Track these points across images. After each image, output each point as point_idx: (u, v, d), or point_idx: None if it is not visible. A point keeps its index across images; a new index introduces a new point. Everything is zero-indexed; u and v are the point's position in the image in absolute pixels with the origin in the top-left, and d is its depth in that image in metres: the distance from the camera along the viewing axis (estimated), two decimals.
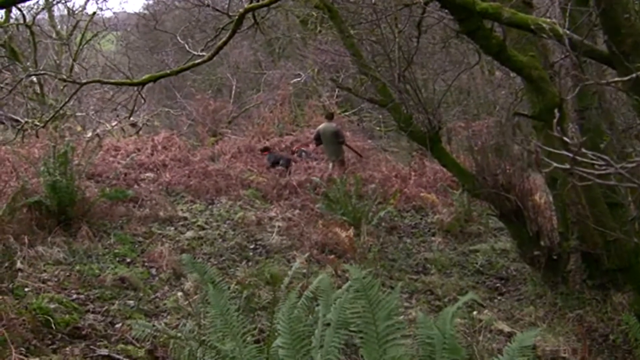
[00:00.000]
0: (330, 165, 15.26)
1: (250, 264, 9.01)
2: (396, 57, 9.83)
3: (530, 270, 9.12)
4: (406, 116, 10.16)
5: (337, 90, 20.32)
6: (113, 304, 6.86)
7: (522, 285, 9.23)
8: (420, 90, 10.19)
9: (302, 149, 17.02)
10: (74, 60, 21.21)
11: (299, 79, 21.73)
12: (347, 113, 21.06)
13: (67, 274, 7.39)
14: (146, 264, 8.43)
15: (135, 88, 10.00)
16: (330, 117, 16.25)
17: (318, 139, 15.61)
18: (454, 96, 21.81)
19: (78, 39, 23.07)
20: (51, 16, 23.58)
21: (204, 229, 10.37)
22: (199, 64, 9.48)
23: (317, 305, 4.88)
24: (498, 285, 9.50)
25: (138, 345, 5.86)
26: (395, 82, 9.97)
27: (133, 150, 15.14)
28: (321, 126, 15.71)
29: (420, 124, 9.97)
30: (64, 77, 13.96)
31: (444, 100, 13.38)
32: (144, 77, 9.26)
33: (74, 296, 6.86)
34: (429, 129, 9.77)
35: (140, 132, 19.91)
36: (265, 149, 16.18)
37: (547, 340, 6.96)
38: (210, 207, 11.72)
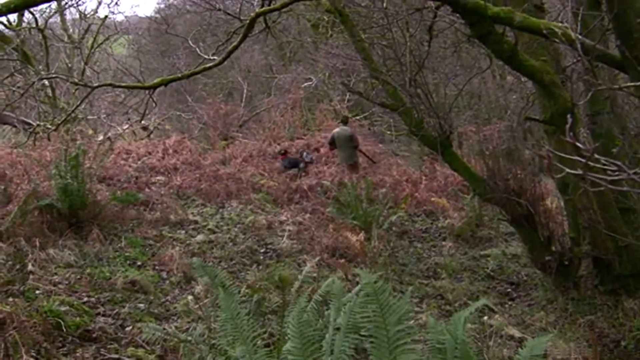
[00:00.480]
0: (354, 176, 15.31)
1: (260, 267, 9.02)
2: (407, 61, 9.81)
3: (541, 275, 9.08)
4: (417, 120, 10.14)
5: (348, 94, 20.31)
6: (123, 307, 6.88)
7: (533, 291, 9.20)
8: (432, 94, 10.16)
9: (303, 150, 16.96)
10: (86, 63, 21.31)
11: (310, 83, 21.73)
12: (358, 117, 21.05)
13: (78, 276, 7.42)
14: (157, 267, 8.45)
15: (147, 91, 10.03)
16: (345, 121, 16.26)
17: (332, 143, 15.60)
18: (465, 100, 21.78)
19: (90, 42, 23.15)
20: (63, 20, 23.71)
21: (214, 232, 10.39)
22: (210, 67, 9.51)
23: (328, 309, 4.88)
24: (509, 290, 9.46)
25: (148, 348, 5.87)
26: (406, 87, 9.95)
27: (144, 153, 15.17)
28: (336, 130, 15.71)
29: (431, 128, 9.94)
30: (76, 80, 14.02)
31: (455, 105, 13.36)
32: (155, 81, 9.28)
33: (85, 299, 6.88)
34: (440, 133, 9.74)
35: (152, 136, 19.95)
36: (284, 153, 16.11)
37: (557, 346, 6.92)
38: (220, 210, 11.73)
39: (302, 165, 15.49)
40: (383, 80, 10.85)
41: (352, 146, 15.32)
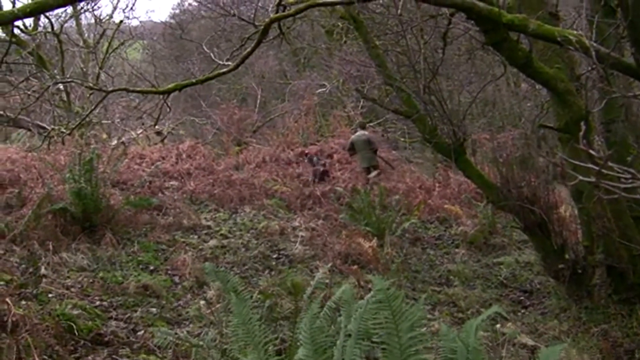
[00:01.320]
0: (374, 173, 15.33)
1: (273, 273, 9.02)
2: (421, 68, 9.80)
3: (555, 283, 9.04)
4: (431, 127, 10.14)
5: (362, 100, 20.29)
6: (136, 312, 6.90)
7: (546, 299, 9.16)
8: (446, 101, 10.14)
9: (312, 155, 16.95)
10: (101, 68, 21.37)
11: (324, 89, 21.71)
12: (371, 124, 21.01)
13: (91, 280, 7.44)
14: (169, 272, 8.46)
15: (161, 96, 10.05)
16: (363, 126, 16.38)
17: (351, 149, 15.68)
18: (479, 108, 21.73)
19: (105, 47, 23.23)
20: (79, 24, 23.80)
21: (227, 237, 10.38)
22: (224, 73, 9.50)
23: (340, 315, 4.86)
24: (522, 298, 9.43)
25: (160, 354, 5.88)
26: (420, 93, 9.94)
27: (158, 158, 15.19)
28: (354, 135, 15.84)
29: (445, 135, 9.93)
30: (91, 85, 14.07)
31: (469, 112, 13.32)
32: (169, 86, 9.29)
33: (97, 303, 6.90)
34: (454, 140, 9.72)
35: (165, 141, 19.99)
36: (324, 172, 15.98)
37: (571, 356, 6.88)
38: (233, 216, 11.73)
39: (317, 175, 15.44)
40: (397, 87, 10.85)
41: (371, 149, 15.39)
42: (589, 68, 7.92)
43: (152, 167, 13.72)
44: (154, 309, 7.10)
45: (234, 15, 16.85)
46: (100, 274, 7.71)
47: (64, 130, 12.35)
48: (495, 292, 9.60)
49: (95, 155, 9.69)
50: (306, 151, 17.29)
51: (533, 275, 10.16)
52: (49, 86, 13.11)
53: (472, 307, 8.71)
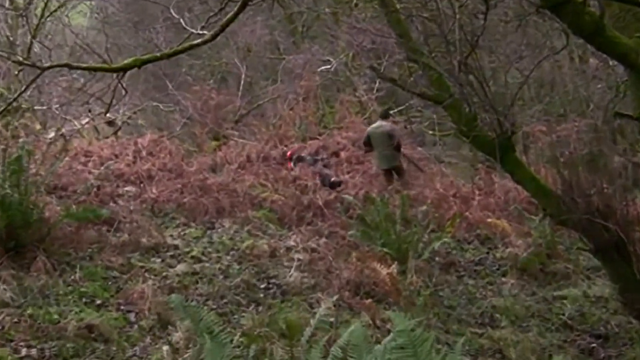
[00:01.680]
0: (399, 180, 15.34)
1: (260, 309, 9.00)
2: (456, 39, 9.77)
3: (639, 326, 8.98)
4: (469, 117, 10.09)
5: (377, 81, 20.32)
6: None
7: (628, 347, 9.12)
8: (488, 82, 10.12)
9: (303, 154, 16.96)
10: (34, 37, 21.34)
11: (328, 67, 21.73)
12: (391, 112, 21.03)
13: (15, 320, 7.40)
14: (122, 307, 8.44)
15: (115, 75, 10.00)
16: (385, 115, 16.48)
17: (368, 144, 15.70)
18: (533, 91, 21.76)
19: (39, 9, 23.24)
20: None
21: (200, 261, 10.41)
22: (198, 45, 9.48)
23: None
24: (594, 345, 9.39)
25: None
26: (454, 72, 9.91)
27: (109, 156, 15.25)
28: (371, 127, 15.91)
29: (488, 126, 9.89)
30: (20, 59, 14.03)
31: (519, 96, 13.31)
32: (126, 62, 9.26)
33: (23, 351, 6.84)
34: (499, 133, 9.68)
35: (120, 133, 20.00)
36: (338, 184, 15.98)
37: None
38: (209, 232, 11.77)
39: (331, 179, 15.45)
40: (424, 63, 10.81)
41: (391, 145, 15.37)
42: None
43: (102, 167, 13.74)
44: (100, 359, 7.04)
45: None
46: (29, 311, 7.68)
47: None
48: (557, 337, 9.57)
49: (26, 151, 9.68)
50: (289, 152, 17.21)
51: (608, 314, 10.13)
52: None
53: (525, 356, 8.65)
